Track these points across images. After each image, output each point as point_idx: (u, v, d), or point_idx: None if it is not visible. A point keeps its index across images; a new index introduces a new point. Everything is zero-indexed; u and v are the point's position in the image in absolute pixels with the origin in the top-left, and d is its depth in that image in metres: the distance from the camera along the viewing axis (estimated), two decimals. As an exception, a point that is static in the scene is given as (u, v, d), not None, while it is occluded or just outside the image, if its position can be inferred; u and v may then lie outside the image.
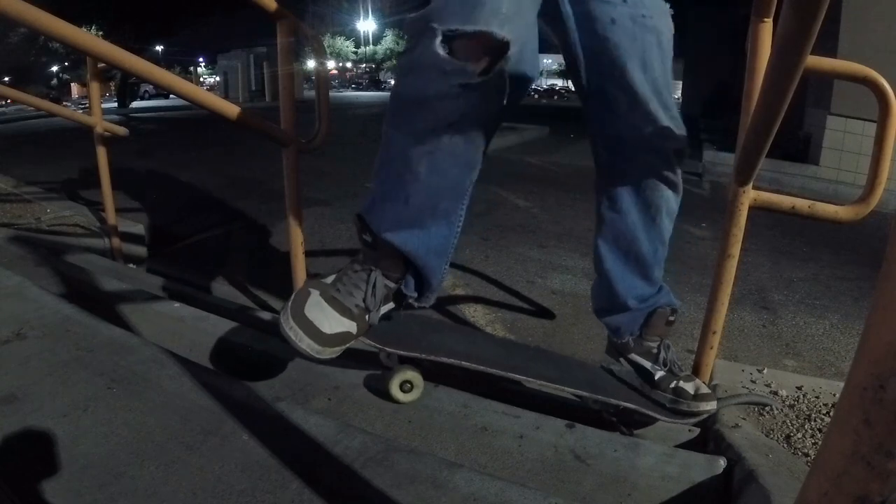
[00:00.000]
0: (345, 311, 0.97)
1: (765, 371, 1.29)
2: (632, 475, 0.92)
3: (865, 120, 5.45)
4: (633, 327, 1.22)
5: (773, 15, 0.92)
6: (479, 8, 0.79)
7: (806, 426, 1.07)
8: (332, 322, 0.95)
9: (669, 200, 1.15)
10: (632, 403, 1.15)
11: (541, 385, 1.13)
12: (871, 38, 5.38)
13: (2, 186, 3.04)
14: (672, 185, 1.14)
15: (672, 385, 1.15)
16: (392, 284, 1.02)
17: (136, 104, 20.79)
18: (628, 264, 1.20)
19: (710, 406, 1.13)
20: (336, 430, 0.85)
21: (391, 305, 1.05)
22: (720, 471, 0.93)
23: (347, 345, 0.97)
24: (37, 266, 1.65)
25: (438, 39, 0.81)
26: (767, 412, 1.12)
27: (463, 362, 1.07)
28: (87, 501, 0.70)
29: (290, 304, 0.96)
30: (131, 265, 2.15)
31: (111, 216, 2.16)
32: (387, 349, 1.06)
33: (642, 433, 1.18)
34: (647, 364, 1.20)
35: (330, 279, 1.02)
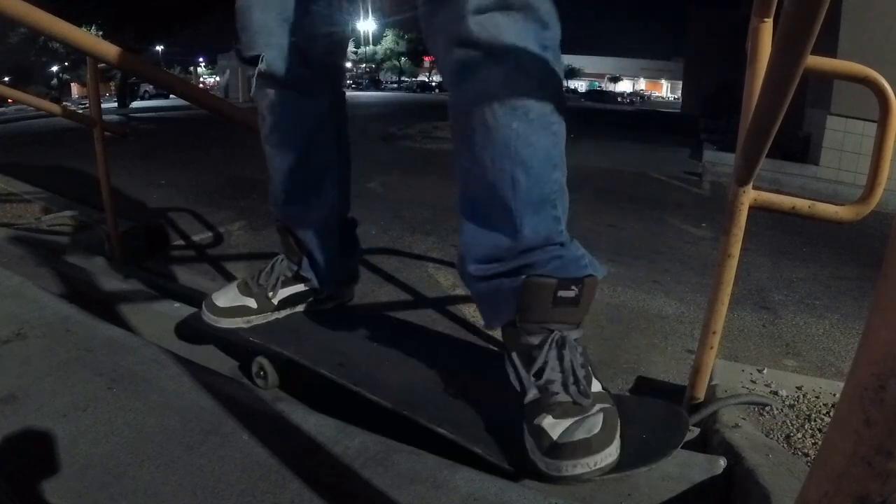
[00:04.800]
0: (246, 291, 1.15)
1: (765, 371, 1.29)
2: (632, 475, 0.92)
3: (865, 120, 5.46)
4: (496, 307, 0.84)
5: (773, 15, 0.91)
6: (243, 34, 1.02)
7: (806, 426, 1.07)
8: (228, 298, 1.14)
9: (503, 82, 0.76)
10: (478, 449, 0.77)
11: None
12: (871, 38, 5.38)
13: (2, 186, 3.04)
14: (488, 48, 0.74)
15: (536, 421, 0.74)
16: (294, 266, 1.15)
17: (136, 104, 20.80)
18: (464, 203, 0.86)
19: (580, 469, 0.68)
20: (336, 430, 0.85)
21: (300, 288, 1.17)
22: (720, 471, 0.93)
23: (251, 317, 1.14)
24: (37, 266, 1.65)
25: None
26: (767, 412, 1.12)
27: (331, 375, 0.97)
28: (87, 501, 0.70)
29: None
30: (131, 265, 2.15)
31: (111, 216, 2.16)
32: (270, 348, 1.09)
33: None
34: (522, 373, 0.80)
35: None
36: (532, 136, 0.78)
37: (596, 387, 0.79)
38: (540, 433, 0.72)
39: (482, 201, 0.83)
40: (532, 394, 0.77)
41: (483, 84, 0.77)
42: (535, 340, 0.79)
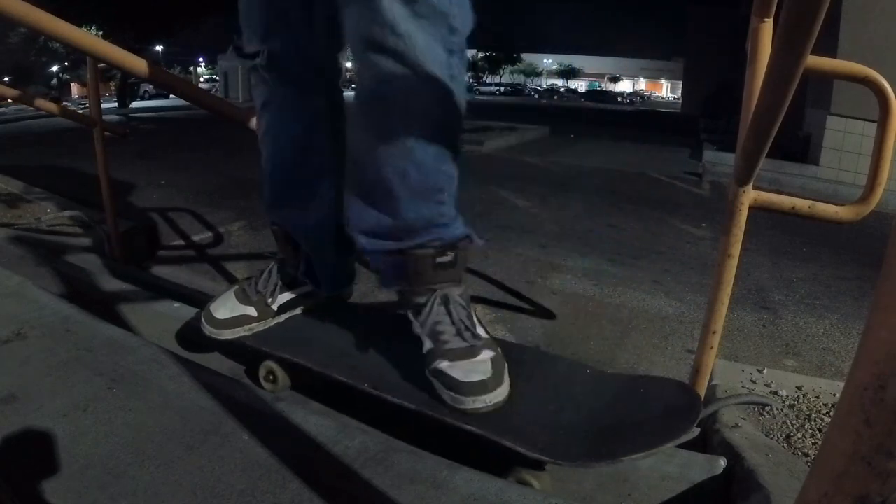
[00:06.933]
0: (245, 299, 1.13)
1: (765, 371, 1.29)
2: (632, 475, 0.92)
3: (865, 120, 5.46)
4: (388, 276, 0.97)
5: (773, 15, 0.91)
6: (245, 30, 1.03)
7: (806, 426, 1.07)
8: (227, 309, 1.12)
9: (409, 88, 0.83)
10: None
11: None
12: (871, 38, 5.38)
13: (2, 186, 3.04)
14: (388, 30, 0.80)
15: (434, 365, 0.87)
16: (292, 270, 1.15)
17: (135, 104, 20.83)
18: (352, 179, 0.97)
19: (479, 405, 0.83)
20: (336, 430, 0.85)
21: (299, 291, 1.17)
22: (720, 471, 0.93)
23: (252, 325, 1.12)
24: (37, 266, 1.65)
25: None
26: (767, 412, 1.12)
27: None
28: (87, 501, 0.70)
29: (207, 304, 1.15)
30: (131, 265, 2.15)
31: (111, 216, 2.16)
32: (276, 354, 1.07)
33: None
34: (416, 327, 0.93)
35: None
36: (430, 138, 0.87)
37: (482, 332, 0.91)
38: (441, 375, 0.86)
39: (371, 183, 0.92)
40: (427, 344, 0.90)
41: (390, 88, 0.84)
42: (422, 300, 0.93)
